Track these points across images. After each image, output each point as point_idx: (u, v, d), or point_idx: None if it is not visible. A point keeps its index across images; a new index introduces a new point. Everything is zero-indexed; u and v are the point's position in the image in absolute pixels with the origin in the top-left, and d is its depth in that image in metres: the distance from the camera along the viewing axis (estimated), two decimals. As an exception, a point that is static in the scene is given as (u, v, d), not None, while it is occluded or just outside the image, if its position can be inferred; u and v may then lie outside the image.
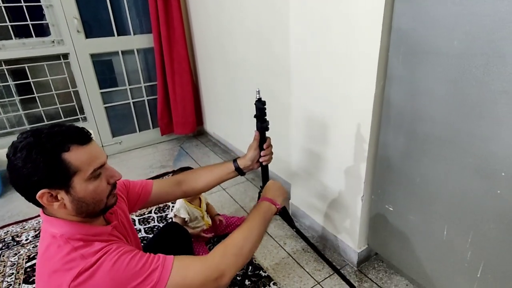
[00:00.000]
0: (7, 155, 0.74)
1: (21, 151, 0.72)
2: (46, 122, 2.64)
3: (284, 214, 1.17)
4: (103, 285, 0.72)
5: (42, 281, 0.76)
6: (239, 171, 1.20)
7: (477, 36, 0.88)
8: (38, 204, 0.78)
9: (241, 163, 1.19)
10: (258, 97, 1.08)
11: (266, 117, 1.13)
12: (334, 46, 1.30)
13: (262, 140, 1.17)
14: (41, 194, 0.74)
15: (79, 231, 0.79)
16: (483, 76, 0.90)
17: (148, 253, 0.81)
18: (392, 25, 1.10)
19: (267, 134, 1.19)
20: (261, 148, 1.18)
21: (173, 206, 2.06)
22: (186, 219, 1.64)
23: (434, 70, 1.01)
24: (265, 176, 1.24)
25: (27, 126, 2.58)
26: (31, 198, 0.76)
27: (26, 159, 0.71)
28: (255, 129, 1.15)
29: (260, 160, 1.19)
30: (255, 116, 1.11)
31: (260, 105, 1.08)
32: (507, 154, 0.90)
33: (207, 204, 1.84)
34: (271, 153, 1.21)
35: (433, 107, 1.05)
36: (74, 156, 0.75)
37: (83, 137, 0.78)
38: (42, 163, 0.71)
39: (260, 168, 1.24)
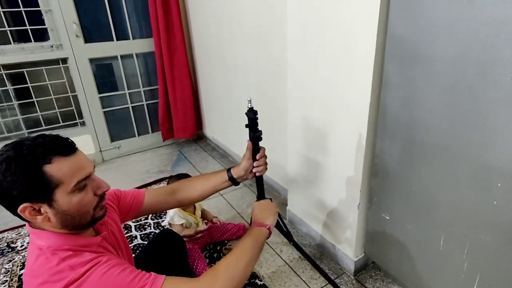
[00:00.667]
0: None
1: (1, 164, 0.70)
2: (44, 127, 2.64)
3: (279, 228, 1.15)
4: None
5: None
6: (233, 181, 1.19)
7: (473, 44, 0.87)
8: (21, 218, 0.76)
9: (235, 173, 1.18)
10: (249, 107, 1.07)
11: (258, 127, 1.11)
12: (330, 51, 1.28)
13: (255, 150, 1.15)
14: (23, 208, 0.72)
15: (67, 242, 0.77)
16: (478, 84, 0.88)
17: (139, 270, 0.79)
18: (387, 31, 1.08)
19: (262, 143, 1.17)
20: (254, 158, 1.16)
21: (169, 212, 2.05)
22: (183, 224, 1.63)
23: (430, 77, 1.00)
24: (260, 186, 1.23)
25: (25, 131, 2.58)
26: (14, 212, 0.74)
27: (5, 172, 0.69)
28: (248, 138, 1.14)
29: (253, 170, 1.17)
30: (246, 126, 1.10)
31: (252, 115, 1.07)
32: (503, 164, 0.88)
33: (203, 211, 1.83)
34: (265, 163, 1.18)
35: (429, 114, 1.03)
36: (56, 168, 0.72)
37: (67, 148, 0.76)
38: (22, 176, 0.69)
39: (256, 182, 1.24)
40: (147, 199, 1.12)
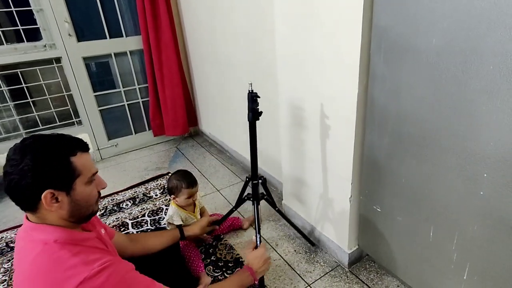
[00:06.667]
0: (11, 158, 0.77)
1: (32, 153, 0.76)
2: (41, 127, 2.65)
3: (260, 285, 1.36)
4: None
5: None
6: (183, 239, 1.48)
7: (455, 34, 0.85)
8: (31, 208, 0.80)
9: (188, 230, 1.52)
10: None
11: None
12: (317, 45, 1.27)
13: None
14: (46, 194, 0.77)
15: (70, 236, 0.82)
16: (462, 74, 0.87)
17: (143, 275, 0.88)
18: (372, 22, 1.07)
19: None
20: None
21: (167, 209, 2.06)
22: (182, 225, 1.63)
23: (414, 68, 0.99)
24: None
25: (23, 131, 2.59)
26: (30, 200, 0.78)
27: (37, 160, 0.75)
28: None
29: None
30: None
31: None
32: (488, 154, 0.87)
33: (203, 210, 1.81)
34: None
35: (415, 106, 1.03)
36: (79, 160, 0.82)
37: (85, 146, 0.87)
38: (54, 163, 0.77)
39: (250, 159, 1.44)
40: (116, 237, 1.20)
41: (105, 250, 0.90)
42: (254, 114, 1.32)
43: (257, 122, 1.36)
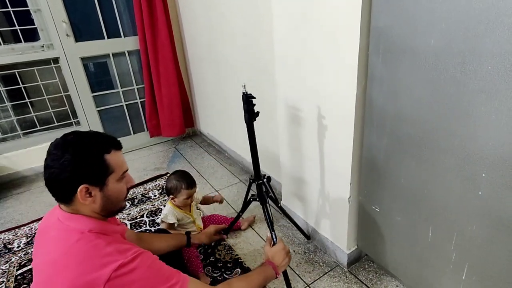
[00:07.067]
0: (53, 152, 0.82)
1: (71, 149, 0.81)
2: (39, 128, 2.64)
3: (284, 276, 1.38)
4: (139, 282, 0.80)
5: (72, 271, 0.77)
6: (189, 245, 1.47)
7: (453, 34, 0.85)
8: (66, 200, 0.85)
9: (195, 239, 1.52)
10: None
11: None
12: (315, 45, 1.27)
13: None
14: (82, 188, 0.82)
15: (103, 227, 0.88)
16: (460, 75, 0.87)
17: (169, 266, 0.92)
18: (370, 23, 1.07)
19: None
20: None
21: (165, 209, 2.05)
22: (175, 224, 1.63)
23: (413, 69, 0.99)
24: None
25: (20, 132, 2.58)
26: (66, 193, 0.83)
27: (75, 156, 0.80)
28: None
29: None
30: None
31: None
32: (486, 154, 0.87)
33: (202, 198, 1.83)
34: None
35: (414, 107, 1.03)
36: (112, 158, 0.86)
37: (118, 144, 0.91)
38: (90, 159, 0.82)
39: (251, 161, 1.44)
40: (127, 234, 1.20)
41: (130, 243, 0.94)
42: (250, 115, 1.32)
43: (254, 122, 1.36)
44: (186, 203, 1.64)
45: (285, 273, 1.37)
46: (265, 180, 1.53)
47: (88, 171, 0.83)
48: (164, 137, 3.13)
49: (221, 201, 1.92)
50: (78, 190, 0.82)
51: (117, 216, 1.09)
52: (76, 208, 0.86)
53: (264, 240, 1.77)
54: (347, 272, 1.53)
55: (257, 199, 1.56)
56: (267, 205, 1.52)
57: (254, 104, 1.32)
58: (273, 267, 1.17)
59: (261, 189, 1.53)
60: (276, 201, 1.63)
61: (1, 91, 2.45)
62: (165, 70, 2.78)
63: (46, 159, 0.83)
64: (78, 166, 0.81)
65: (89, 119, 2.77)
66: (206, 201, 1.90)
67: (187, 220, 1.67)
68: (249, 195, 1.64)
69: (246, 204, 1.67)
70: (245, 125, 1.36)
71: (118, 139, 0.92)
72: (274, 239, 1.36)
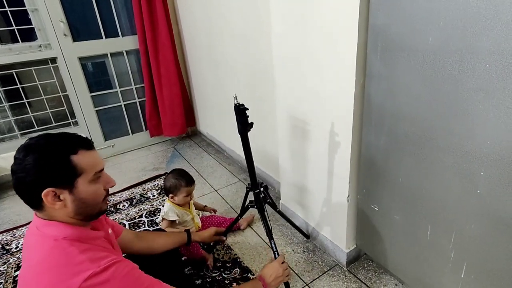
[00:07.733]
0: (16, 157, 0.79)
1: (33, 151, 0.77)
2: (37, 128, 2.63)
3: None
4: None
5: (44, 280, 0.76)
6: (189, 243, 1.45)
7: (451, 32, 0.85)
8: (37, 206, 0.82)
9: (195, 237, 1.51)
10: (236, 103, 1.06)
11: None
12: (314, 44, 1.27)
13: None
14: (47, 193, 0.78)
15: (79, 234, 0.83)
16: (458, 73, 0.87)
17: (147, 275, 0.88)
18: (368, 21, 1.07)
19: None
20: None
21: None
22: (176, 221, 1.63)
23: (411, 68, 0.99)
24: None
25: (18, 133, 2.57)
26: (34, 198, 0.80)
27: (37, 158, 0.77)
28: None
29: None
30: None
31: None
32: (484, 153, 0.87)
33: (194, 203, 1.82)
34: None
35: (412, 105, 1.03)
36: (81, 158, 0.82)
37: (88, 144, 0.86)
38: (53, 162, 0.78)
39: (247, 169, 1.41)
40: (124, 233, 1.20)
41: (111, 250, 0.91)
42: (243, 126, 1.29)
43: (254, 122, 1.34)
44: (186, 200, 1.64)
45: (286, 284, 1.35)
46: (261, 189, 1.51)
47: (53, 174, 0.78)
48: (163, 136, 3.13)
49: (214, 211, 1.93)
50: (43, 194, 0.78)
51: (114, 218, 1.08)
52: (50, 214, 0.83)
53: (263, 239, 1.77)
54: (346, 271, 1.53)
55: (255, 206, 1.54)
56: (265, 213, 1.50)
57: (248, 116, 1.29)
58: (263, 284, 1.17)
59: (259, 197, 1.51)
60: (274, 206, 1.63)
61: (-1, 92, 2.44)
62: (166, 70, 2.78)
63: (12, 164, 0.80)
64: (41, 169, 0.77)
65: (87, 119, 2.76)
66: (196, 207, 1.89)
67: (187, 217, 1.67)
68: (247, 202, 1.63)
69: (244, 209, 1.66)
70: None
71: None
72: (276, 255, 1.37)
